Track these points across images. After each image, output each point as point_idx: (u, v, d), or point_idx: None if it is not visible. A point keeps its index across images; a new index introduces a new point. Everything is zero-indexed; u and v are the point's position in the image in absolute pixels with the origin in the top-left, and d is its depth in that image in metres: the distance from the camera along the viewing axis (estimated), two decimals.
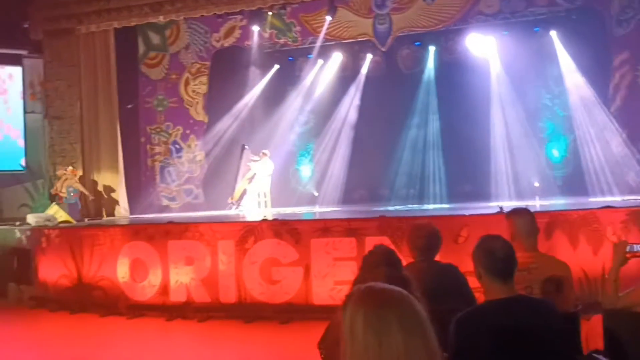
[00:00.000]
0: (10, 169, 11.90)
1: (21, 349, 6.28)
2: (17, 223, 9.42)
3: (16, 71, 12.02)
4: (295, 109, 13.60)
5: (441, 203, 11.40)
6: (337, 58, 13.25)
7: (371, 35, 11.94)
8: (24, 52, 12.00)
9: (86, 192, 11.12)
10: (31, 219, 9.25)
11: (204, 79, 12.83)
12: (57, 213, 9.13)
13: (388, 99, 12.72)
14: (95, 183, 11.56)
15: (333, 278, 6.60)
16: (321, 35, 12.02)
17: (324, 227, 6.81)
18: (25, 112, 12.05)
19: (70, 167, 10.97)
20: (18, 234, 8.94)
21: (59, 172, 10.99)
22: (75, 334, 7.09)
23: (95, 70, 11.39)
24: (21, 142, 12.10)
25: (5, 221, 10.50)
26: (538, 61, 11.80)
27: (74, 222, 9.17)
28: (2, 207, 12.10)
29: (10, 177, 11.91)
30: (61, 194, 10.67)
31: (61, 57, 11.44)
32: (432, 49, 12.90)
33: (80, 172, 11.21)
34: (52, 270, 8.27)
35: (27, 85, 12.04)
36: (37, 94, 11.96)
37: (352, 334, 1.28)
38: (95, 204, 11.42)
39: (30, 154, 12.02)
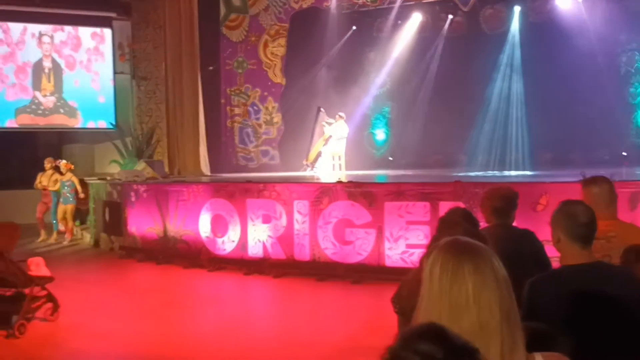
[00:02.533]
0: (102, 127, 12.65)
1: (113, 294, 6.82)
2: (108, 178, 10.05)
3: (106, 33, 12.64)
4: (372, 71, 13.50)
5: (522, 170, 11.05)
6: (416, 19, 12.96)
7: None
8: (113, 15, 12.57)
9: (79, 188, 10.41)
10: (121, 174, 9.85)
11: (282, 41, 12.97)
12: (144, 169, 9.67)
13: (469, 61, 12.32)
14: (178, 142, 12.07)
15: (405, 241, 6.66)
16: None
17: (398, 191, 6.84)
18: (115, 72, 12.70)
19: (64, 161, 10.65)
20: (109, 188, 9.58)
21: (47, 165, 10.57)
22: (161, 283, 7.61)
23: (179, 32, 11.76)
24: (112, 102, 12.80)
25: (97, 176, 11.26)
26: (632, 23, 11.02)
27: (160, 178, 9.68)
28: (94, 162, 12.96)
29: (101, 135, 12.67)
30: (49, 189, 10.39)
31: (148, 19, 11.90)
32: (517, 9, 12.34)
33: (73, 166, 10.71)
34: (140, 223, 8.83)
35: (117, 46, 12.65)
36: (126, 55, 12.55)
37: (430, 280, 1.36)
38: (178, 161, 11.94)
39: (120, 113, 12.71)
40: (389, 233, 6.73)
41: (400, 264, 6.67)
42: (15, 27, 12.18)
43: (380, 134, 14.15)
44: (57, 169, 10.43)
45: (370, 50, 13.56)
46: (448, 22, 12.82)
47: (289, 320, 5.68)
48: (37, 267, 5.74)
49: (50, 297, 5.51)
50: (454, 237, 1.42)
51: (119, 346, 4.92)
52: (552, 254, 2.70)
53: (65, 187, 10.28)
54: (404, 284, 2.32)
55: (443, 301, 1.31)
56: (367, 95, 13.52)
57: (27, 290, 5.33)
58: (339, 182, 7.52)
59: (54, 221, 10.48)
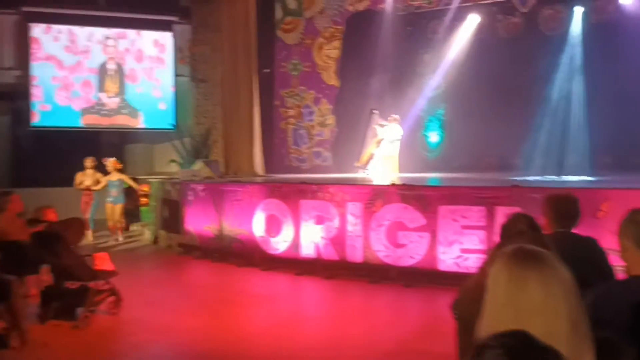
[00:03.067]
0: (162, 127, 13.07)
1: (171, 290, 7.06)
2: (168, 177, 10.37)
3: (167, 37, 13.05)
4: (427, 73, 13.39)
5: (581, 175, 10.70)
6: (473, 20, 12.76)
7: None
8: (174, 18, 12.97)
9: (135, 185, 10.61)
10: (180, 173, 10.15)
11: (337, 43, 13.03)
12: (202, 169, 9.94)
13: (526, 62, 12.02)
14: (233, 142, 12.31)
15: (460, 246, 6.59)
16: None
17: (453, 194, 6.78)
18: (175, 75, 13.10)
19: (112, 159, 10.45)
20: (168, 187, 9.89)
21: (88, 164, 10.19)
22: (217, 280, 7.81)
23: (236, 35, 12.00)
24: (171, 103, 13.22)
25: (156, 175, 11.63)
26: None
27: (216, 178, 9.92)
28: (153, 162, 13.40)
29: (161, 135, 13.09)
30: (92, 188, 10.10)
31: (207, 23, 12.21)
32: (578, 9, 11.95)
33: (121, 166, 10.61)
34: (197, 221, 9.08)
35: (177, 50, 13.05)
36: (185, 58, 12.92)
37: (495, 288, 1.36)
38: (234, 162, 12.19)
39: (179, 114, 13.10)
40: (443, 237, 6.67)
41: (454, 268, 6.61)
42: (81, 33, 12.74)
43: (433, 136, 14.00)
44: (97, 168, 10.22)
45: (425, 51, 13.45)
46: (505, 23, 12.55)
47: (340, 321, 5.72)
48: (102, 262, 6.01)
49: (113, 291, 5.75)
50: (519, 244, 1.42)
51: (176, 340, 5.09)
52: (614, 262, 2.62)
53: (114, 187, 10.23)
54: (464, 290, 2.31)
55: (509, 309, 1.31)
56: (421, 97, 13.41)
57: (91, 284, 5.58)
58: (393, 185, 7.51)
59: (92, 220, 10.24)
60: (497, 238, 6.10)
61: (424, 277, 6.78)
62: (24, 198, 6.04)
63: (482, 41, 12.79)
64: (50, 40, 12.59)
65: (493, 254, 1.85)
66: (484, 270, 1.94)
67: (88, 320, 5.40)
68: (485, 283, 1.43)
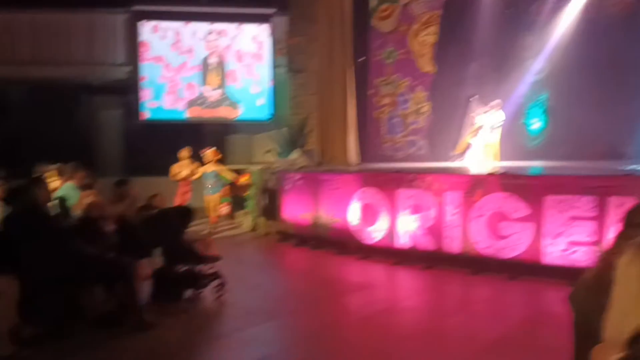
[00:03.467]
0: (260, 118, 13.47)
1: (272, 275, 7.27)
2: (266, 166, 10.66)
3: (266, 29, 13.39)
4: (529, 57, 12.75)
5: None
6: None
7: None
8: (272, 11, 13.27)
9: (230, 176, 10.47)
10: (278, 162, 10.40)
11: (434, 28, 12.72)
12: (298, 158, 10.13)
13: (639, 44, 11.13)
14: (328, 132, 12.42)
15: (567, 238, 6.25)
16: None
17: (559, 184, 6.43)
18: (273, 67, 13.42)
19: (213, 149, 10.34)
20: (267, 176, 10.18)
21: (182, 154, 10.14)
22: (314, 267, 7.94)
23: (332, 25, 12.05)
24: (269, 94, 13.57)
25: (255, 164, 12.01)
26: None
27: (313, 167, 10.07)
28: (252, 152, 13.84)
29: (259, 125, 13.49)
30: (190, 179, 10.08)
31: (303, 14, 12.36)
32: None
33: (220, 156, 10.48)
34: (294, 209, 9.28)
35: (275, 41, 13.35)
36: (282, 50, 13.19)
37: (626, 280, 1.29)
38: (329, 151, 12.31)
39: (276, 105, 13.42)
40: (549, 229, 6.36)
41: (560, 262, 6.29)
42: (186, 31, 13.38)
43: (535, 123, 13.33)
44: (195, 158, 10.18)
45: (527, 34, 12.78)
46: (617, 0, 11.66)
47: (439, 312, 5.64)
48: (206, 247, 6.31)
49: (217, 275, 6.02)
50: None
51: (277, 324, 5.25)
52: None
53: (211, 178, 10.16)
54: (582, 283, 2.20)
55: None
56: (523, 83, 12.78)
57: (198, 268, 5.88)
58: (494, 174, 7.25)
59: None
60: (608, 230, 5.75)
61: (527, 270, 6.51)
62: (136, 186, 6.46)
63: (589, 21, 11.96)
64: (158, 39, 13.33)
65: (618, 244, 1.73)
66: (605, 261, 1.83)
67: (195, 302, 5.70)
68: (608, 275, 1.35)
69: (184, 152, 10.15)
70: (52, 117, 13.28)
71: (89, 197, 6.21)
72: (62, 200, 6.21)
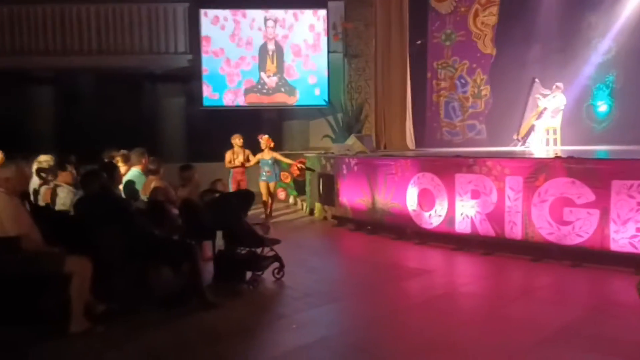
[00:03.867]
0: (316, 104, 13.53)
1: (330, 259, 7.35)
2: (323, 151, 10.73)
3: (322, 14, 13.40)
4: (595, 37, 12.21)
5: None
6: None
7: None
8: None
9: (287, 161, 10.62)
10: (334, 148, 10.45)
11: (494, 9, 12.41)
12: (355, 144, 10.13)
13: None
14: (385, 117, 12.36)
15: (636, 224, 6.00)
16: None
17: (628, 168, 6.17)
18: (329, 51, 13.44)
19: (266, 136, 10.26)
20: (323, 161, 10.24)
21: (235, 141, 10.04)
22: (372, 252, 7.97)
23: (389, 9, 11.93)
24: (325, 80, 13.61)
25: (312, 150, 12.10)
26: None
27: (369, 152, 10.06)
28: (309, 137, 13.96)
29: (315, 111, 13.55)
30: (246, 165, 9.98)
31: None
32: None
33: (273, 144, 10.40)
34: (351, 194, 9.31)
35: (331, 26, 13.34)
36: (339, 35, 13.17)
37: None
38: (385, 136, 12.26)
39: (332, 90, 13.45)
40: (616, 215, 6.12)
41: (628, 249, 6.06)
42: (244, 20, 13.58)
43: (602, 106, 12.78)
44: (243, 147, 10.04)
45: (593, 13, 12.24)
46: None
47: (500, 299, 5.55)
48: (266, 230, 6.45)
49: (277, 258, 6.15)
50: None
51: (336, 307, 5.33)
52: None
53: (267, 165, 10.13)
54: None
55: None
56: (588, 64, 12.28)
57: (259, 251, 6.02)
58: (558, 158, 7.03)
59: None
60: None
61: (593, 257, 6.31)
62: (199, 171, 6.65)
63: None
64: (217, 29, 13.59)
65: None
66: None
67: (257, 283, 5.85)
68: None
69: (237, 139, 10.06)
70: (118, 105, 13.81)
71: (154, 182, 6.45)
72: (130, 184, 6.47)
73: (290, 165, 11.35)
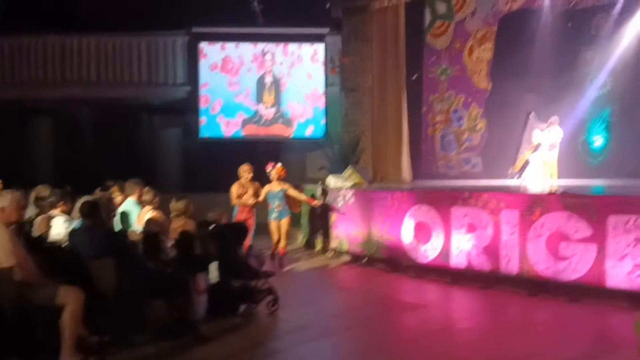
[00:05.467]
0: (313, 136, 13.61)
1: (325, 291, 7.28)
2: (319, 183, 10.74)
3: (319, 48, 13.58)
4: (590, 72, 12.40)
5: None
6: None
7: None
8: (326, 31, 13.46)
9: (300, 197, 9.03)
10: (331, 180, 10.46)
11: (489, 45, 12.60)
12: (351, 176, 10.15)
13: None
14: (381, 149, 12.42)
15: (633, 260, 5.98)
16: None
17: (625, 202, 6.18)
18: (326, 85, 13.58)
19: (279, 165, 8.74)
20: (320, 193, 10.23)
21: (242, 171, 8.54)
22: (366, 285, 7.93)
23: (385, 44, 12.11)
24: (322, 113, 13.71)
25: (308, 181, 12.10)
26: None
27: (365, 185, 10.07)
28: (306, 169, 13.97)
29: (312, 143, 13.62)
30: (250, 202, 8.35)
31: (357, 33, 12.48)
32: None
33: (285, 174, 8.80)
34: (347, 226, 9.29)
35: (329, 60, 13.51)
36: (336, 68, 13.34)
37: None
38: (382, 168, 12.30)
39: (329, 123, 13.54)
40: (613, 250, 6.11)
41: (625, 285, 6.03)
42: (243, 51, 13.75)
43: (598, 140, 12.89)
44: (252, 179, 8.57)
45: (588, 49, 12.45)
46: None
47: (497, 334, 5.49)
48: (260, 262, 6.41)
49: (271, 290, 6.09)
50: None
51: (332, 340, 5.26)
52: None
53: (277, 199, 8.55)
54: None
55: None
56: (584, 98, 12.42)
57: (253, 283, 5.97)
58: (554, 192, 7.05)
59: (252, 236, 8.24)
60: None
61: (590, 293, 6.27)
62: (193, 203, 6.63)
63: None
64: (216, 60, 13.73)
65: None
66: None
67: (249, 316, 5.78)
68: None
69: (246, 170, 8.53)
70: (115, 136, 13.86)
71: (149, 212, 6.43)
72: (124, 215, 6.45)
73: (305, 200, 9.47)
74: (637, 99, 11.58)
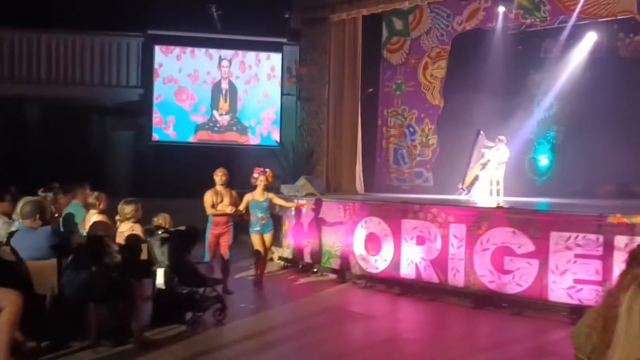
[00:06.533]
0: (268, 144, 13.55)
1: (273, 300, 7.22)
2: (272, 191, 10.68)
3: (277, 57, 13.57)
4: (538, 94, 12.87)
5: None
6: (590, 39, 12.13)
7: (635, 12, 10.65)
8: (284, 40, 13.48)
9: (287, 205, 8.35)
10: (283, 189, 10.43)
11: (443, 63, 12.92)
12: (304, 185, 10.15)
13: None
14: (335, 160, 12.48)
15: (573, 275, 6.21)
16: (575, 14, 11.12)
17: (567, 221, 6.41)
18: (282, 94, 13.57)
19: (268, 171, 7.76)
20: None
21: (220, 178, 7.34)
22: (315, 295, 7.88)
23: (342, 55, 12.24)
24: (277, 121, 13.68)
25: None
26: None
27: (318, 195, 10.08)
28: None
29: (266, 151, 13.55)
30: (228, 212, 7.21)
31: (315, 44, 12.57)
32: None
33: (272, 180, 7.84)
34: (299, 236, 9.27)
35: (285, 70, 13.52)
36: (293, 78, 13.35)
37: (628, 317, 1.29)
38: (335, 179, 12.35)
39: (284, 132, 13.51)
40: (554, 265, 6.32)
41: (565, 299, 6.24)
42: (199, 55, 13.58)
43: (543, 160, 13.38)
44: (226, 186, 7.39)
45: (537, 71, 12.95)
46: (626, 41, 11.82)
47: (441, 345, 5.58)
48: (209, 270, 6.31)
49: (218, 298, 6.00)
50: None
51: (278, 351, 5.21)
52: None
53: (261, 210, 7.55)
54: (586, 319, 2.18)
55: None
56: (531, 119, 12.91)
57: (200, 290, 5.87)
58: (500, 208, 7.24)
59: (230, 255, 7.41)
60: (614, 269, 5.70)
61: (532, 306, 6.47)
62: (142, 207, 6.47)
63: (599, 61, 12.11)
64: (171, 64, 13.50)
65: (623, 281, 1.74)
66: (610, 298, 1.83)
67: (196, 324, 5.67)
68: (612, 312, 1.36)
69: (220, 175, 7.33)
70: (65, 136, 13.41)
71: (95, 216, 6.24)
72: (69, 217, 6.24)
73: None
74: (581, 121, 12.07)
